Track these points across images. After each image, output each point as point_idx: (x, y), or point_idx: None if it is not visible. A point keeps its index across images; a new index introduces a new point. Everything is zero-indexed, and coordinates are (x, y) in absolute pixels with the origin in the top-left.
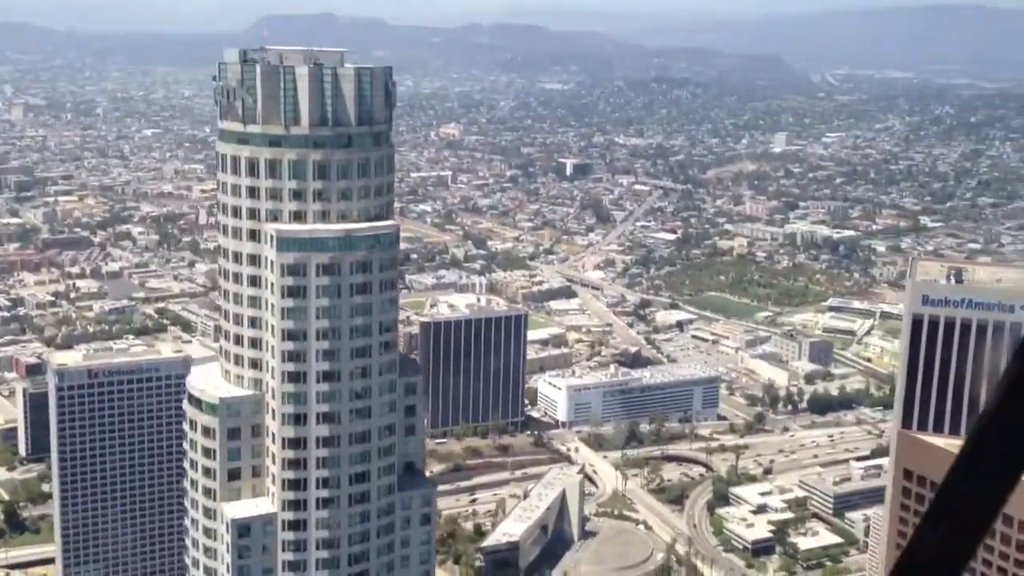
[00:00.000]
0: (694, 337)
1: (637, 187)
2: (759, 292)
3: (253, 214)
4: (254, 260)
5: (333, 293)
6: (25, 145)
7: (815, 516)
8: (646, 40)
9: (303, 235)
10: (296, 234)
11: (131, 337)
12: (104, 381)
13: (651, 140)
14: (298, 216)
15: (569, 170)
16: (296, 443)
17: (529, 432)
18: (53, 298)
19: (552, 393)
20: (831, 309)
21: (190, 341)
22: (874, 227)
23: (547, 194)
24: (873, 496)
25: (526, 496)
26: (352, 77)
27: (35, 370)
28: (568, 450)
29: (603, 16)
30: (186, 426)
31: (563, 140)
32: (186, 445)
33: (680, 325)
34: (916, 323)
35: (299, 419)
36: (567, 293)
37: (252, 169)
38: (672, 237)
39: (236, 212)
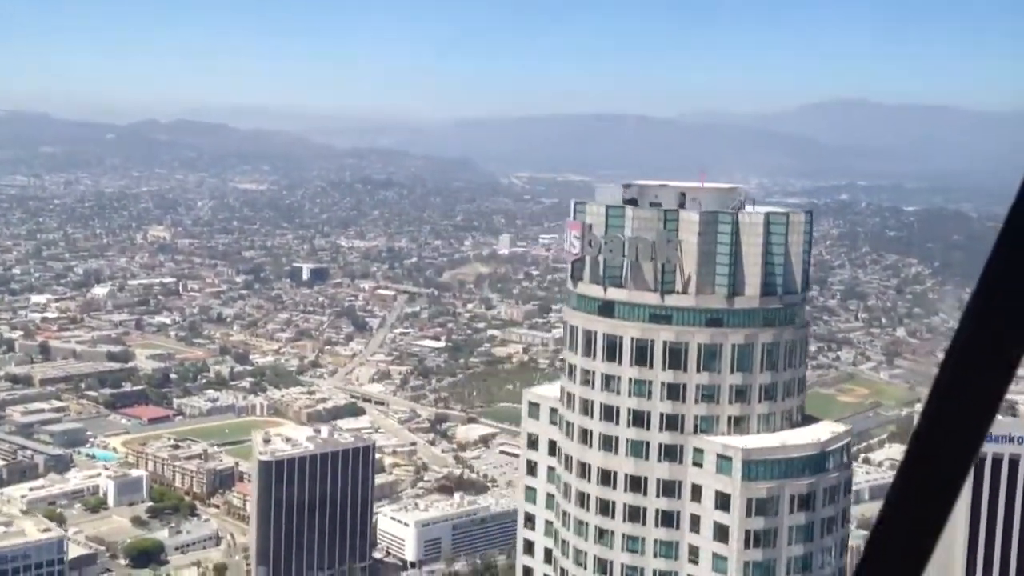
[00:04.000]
0: (503, 453)
1: (380, 292)
2: None
3: (671, 423)
4: (669, 489)
5: (806, 536)
6: None
7: None
8: (334, 140)
9: (777, 455)
10: (768, 453)
11: None
12: None
13: (375, 243)
14: (738, 423)
15: (306, 275)
16: None
17: None
18: None
19: (397, 530)
20: None
21: None
22: None
23: (292, 301)
24: None
25: None
26: (802, 227)
27: None
28: None
29: (288, 115)
30: None
31: (283, 243)
32: None
33: (485, 440)
34: None
35: None
36: (353, 411)
37: (676, 359)
38: (439, 344)
39: (641, 420)
